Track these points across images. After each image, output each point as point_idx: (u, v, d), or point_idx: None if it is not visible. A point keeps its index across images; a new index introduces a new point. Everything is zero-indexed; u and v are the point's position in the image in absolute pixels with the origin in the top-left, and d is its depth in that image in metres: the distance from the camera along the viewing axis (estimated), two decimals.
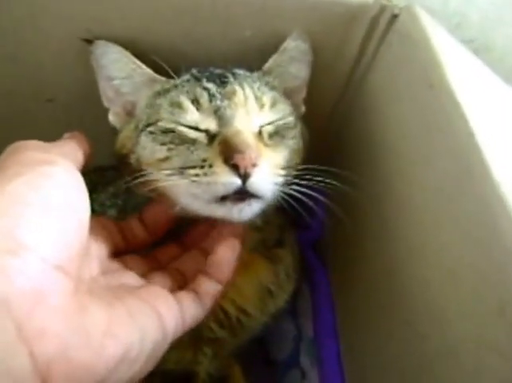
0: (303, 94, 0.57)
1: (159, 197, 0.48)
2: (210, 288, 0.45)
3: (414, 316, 0.45)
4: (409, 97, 0.48)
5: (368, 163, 0.56)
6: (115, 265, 0.44)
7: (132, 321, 0.35)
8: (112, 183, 0.60)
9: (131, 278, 0.43)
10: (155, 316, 0.37)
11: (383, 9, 0.51)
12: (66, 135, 0.43)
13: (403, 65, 0.50)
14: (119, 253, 0.46)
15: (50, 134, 0.40)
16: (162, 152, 0.46)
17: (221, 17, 0.50)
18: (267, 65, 0.54)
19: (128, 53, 0.51)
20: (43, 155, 0.36)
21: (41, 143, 0.38)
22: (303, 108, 0.57)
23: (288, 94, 0.54)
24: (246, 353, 0.61)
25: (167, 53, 0.49)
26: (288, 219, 0.61)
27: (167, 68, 0.48)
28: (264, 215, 0.49)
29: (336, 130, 0.66)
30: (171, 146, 0.46)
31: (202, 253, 0.49)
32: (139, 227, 0.49)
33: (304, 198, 0.45)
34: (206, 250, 0.49)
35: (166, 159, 0.46)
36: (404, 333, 0.47)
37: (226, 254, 0.46)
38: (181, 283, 0.46)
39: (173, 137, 0.46)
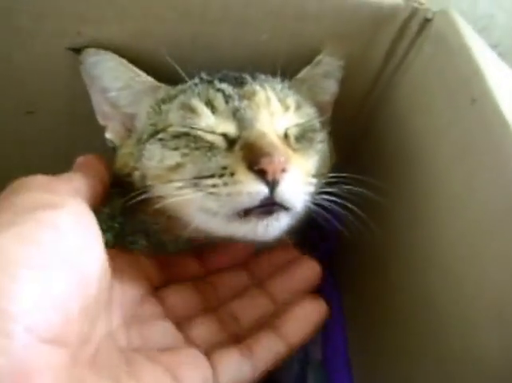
0: (328, 113, 0.53)
1: (166, 222, 0.43)
2: (272, 348, 0.37)
3: (450, 359, 0.40)
4: (446, 111, 0.44)
5: (394, 179, 0.51)
6: (148, 308, 0.39)
7: None
8: (107, 203, 0.53)
9: (161, 330, 0.37)
10: None
11: (414, 12, 0.46)
12: (80, 159, 0.38)
13: (438, 73, 0.45)
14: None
15: (35, 150, 0.34)
16: (173, 158, 0.41)
17: (233, 19, 0.45)
18: (300, 76, 0.50)
19: (123, 60, 0.46)
20: (47, 196, 0.31)
21: (46, 179, 0.33)
22: (328, 129, 0.53)
23: None
24: None
25: (170, 59, 0.43)
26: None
27: (179, 69, 0.42)
28: (294, 233, 0.45)
29: (357, 139, 0.61)
30: (185, 151, 0.41)
31: (266, 294, 0.43)
32: (195, 264, 0.45)
33: (335, 206, 0.41)
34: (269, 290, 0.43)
35: (178, 167, 0.41)
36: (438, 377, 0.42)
37: (310, 311, 0.39)
38: (234, 332, 0.40)
39: (187, 141, 0.41)
